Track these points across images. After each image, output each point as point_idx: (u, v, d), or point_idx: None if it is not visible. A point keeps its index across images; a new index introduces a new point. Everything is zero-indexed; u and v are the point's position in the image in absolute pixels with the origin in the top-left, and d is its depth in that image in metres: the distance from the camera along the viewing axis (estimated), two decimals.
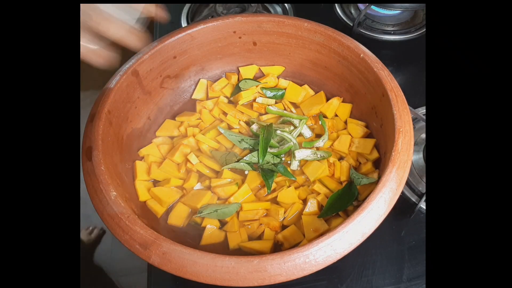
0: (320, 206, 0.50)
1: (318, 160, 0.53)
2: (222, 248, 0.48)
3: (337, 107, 0.58)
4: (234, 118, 0.58)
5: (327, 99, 0.60)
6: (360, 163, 0.54)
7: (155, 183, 0.54)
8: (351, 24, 0.76)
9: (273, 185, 0.52)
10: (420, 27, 0.76)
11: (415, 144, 0.59)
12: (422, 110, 0.64)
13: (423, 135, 0.61)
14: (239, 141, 0.55)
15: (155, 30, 0.81)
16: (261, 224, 0.50)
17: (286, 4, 0.81)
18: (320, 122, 0.57)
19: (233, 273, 0.37)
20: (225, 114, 0.59)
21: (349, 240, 0.39)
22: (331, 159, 0.53)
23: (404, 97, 0.48)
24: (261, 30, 0.58)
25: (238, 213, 0.50)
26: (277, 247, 0.48)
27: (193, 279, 0.38)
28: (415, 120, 0.61)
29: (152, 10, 0.46)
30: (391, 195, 0.41)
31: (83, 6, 0.39)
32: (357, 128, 0.56)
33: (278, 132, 0.54)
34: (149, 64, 0.54)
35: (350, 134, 0.56)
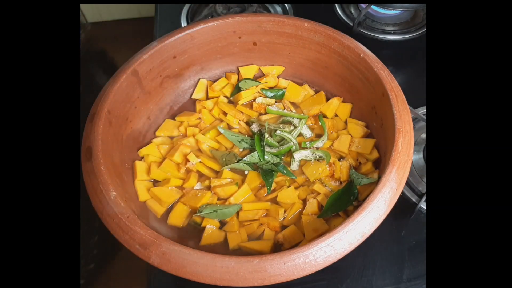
0: (320, 206, 0.50)
1: (317, 160, 0.53)
2: (222, 248, 0.48)
3: (337, 107, 0.58)
4: (234, 118, 0.58)
5: (327, 99, 0.59)
6: (360, 163, 0.54)
7: (155, 183, 0.53)
8: (351, 24, 0.76)
9: (273, 185, 0.52)
10: (420, 27, 0.76)
11: (415, 144, 0.59)
12: (422, 110, 0.64)
13: (423, 135, 0.61)
14: (239, 141, 0.55)
15: (155, 30, 0.81)
16: (261, 224, 0.50)
17: (286, 4, 0.81)
18: (320, 122, 0.57)
19: (233, 273, 0.37)
20: (225, 114, 0.59)
21: (349, 240, 0.39)
22: (332, 159, 0.53)
23: (404, 97, 0.48)
24: (261, 30, 0.58)
25: (238, 213, 0.50)
26: (277, 247, 0.48)
27: (193, 279, 0.38)
28: (415, 120, 0.61)
29: None
30: (391, 195, 0.41)
31: None
32: (357, 128, 0.56)
33: (278, 132, 0.54)
34: (149, 64, 0.54)
35: (350, 134, 0.56)
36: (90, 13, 1.58)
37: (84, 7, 1.55)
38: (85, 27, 1.62)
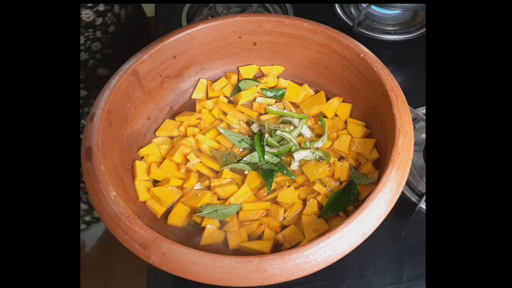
0: (320, 206, 0.50)
1: (317, 160, 0.53)
2: (222, 248, 0.48)
3: (337, 107, 0.58)
4: (234, 118, 0.58)
5: (327, 99, 0.59)
6: (360, 163, 0.54)
7: (155, 183, 0.53)
8: (351, 24, 0.76)
9: (273, 185, 0.52)
10: (420, 27, 0.76)
11: (415, 144, 0.59)
12: (422, 110, 0.64)
13: (423, 135, 0.61)
14: (239, 141, 0.55)
15: (155, 30, 0.81)
16: (261, 224, 0.50)
17: (286, 4, 0.81)
18: (320, 122, 0.57)
19: (233, 273, 0.37)
20: (225, 114, 0.59)
21: (349, 240, 0.39)
22: (332, 159, 0.53)
23: (404, 97, 0.48)
24: (261, 30, 0.58)
25: (238, 213, 0.50)
26: (277, 247, 0.48)
27: (193, 279, 0.38)
28: (415, 120, 0.61)
29: None
30: (391, 195, 0.41)
31: None
32: (357, 128, 0.56)
33: (278, 132, 0.54)
34: (149, 64, 0.54)
35: (350, 134, 0.56)
36: None
37: None
38: None
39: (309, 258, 0.38)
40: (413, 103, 0.58)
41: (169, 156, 0.54)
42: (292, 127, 0.56)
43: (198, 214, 0.49)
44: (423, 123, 0.62)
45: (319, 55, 0.58)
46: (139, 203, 0.51)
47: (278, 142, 0.55)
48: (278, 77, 0.62)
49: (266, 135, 0.54)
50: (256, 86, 0.60)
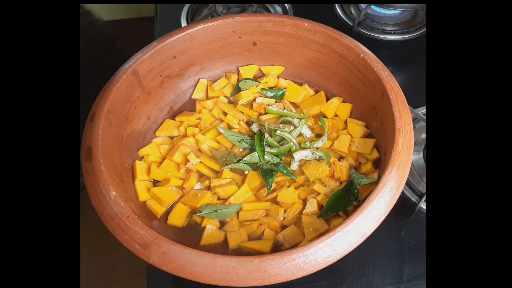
0: (320, 206, 0.50)
1: (317, 160, 0.53)
2: (222, 248, 0.48)
3: (337, 107, 0.58)
4: (234, 118, 0.58)
5: (327, 99, 0.59)
6: (360, 163, 0.54)
7: (155, 183, 0.53)
8: (351, 24, 0.76)
9: (273, 185, 0.52)
10: (420, 27, 0.76)
11: (415, 144, 0.59)
12: (422, 110, 0.64)
13: (423, 135, 0.61)
14: (239, 141, 0.55)
15: (155, 30, 0.81)
16: (261, 224, 0.50)
17: (286, 4, 0.81)
18: (320, 122, 0.57)
19: (233, 273, 0.37)
20: (225, 114, 0.59)
21: (349, 240, 0.39)
22: (332, 159, 0.53)
23: (404, 97, 0.48)
24: (261, 30, 0.58)
25: (238, 213, 0.50)
26: (277, 247, 0.48)
27: (193, 279, 0.38)
28: (415, 120, 0.61)
29: None
30: (391, 195, 0.41)
31: None
32: (357, 128, 0.56)
33: (278, 132, 0.54)
34: (149, 64, 0.54)
35: (350, 134, 0.56)
36: None
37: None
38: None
39: (309, 258, 0.38)
40: (413, 103, 0.58)
41: (169, 156, 0.54)
42: (292, 127, 0.56)
43: (198, 214, 0.49)
44: (423, 123, 0.62)
45: (319, 55, 0.58)
46: (139, 203, 0.51)
47: (278, 142, 0.55)
48: (278, 77, 0.63)
49: (266, 135, 0.54)
50: (256, 86, 0.60)
